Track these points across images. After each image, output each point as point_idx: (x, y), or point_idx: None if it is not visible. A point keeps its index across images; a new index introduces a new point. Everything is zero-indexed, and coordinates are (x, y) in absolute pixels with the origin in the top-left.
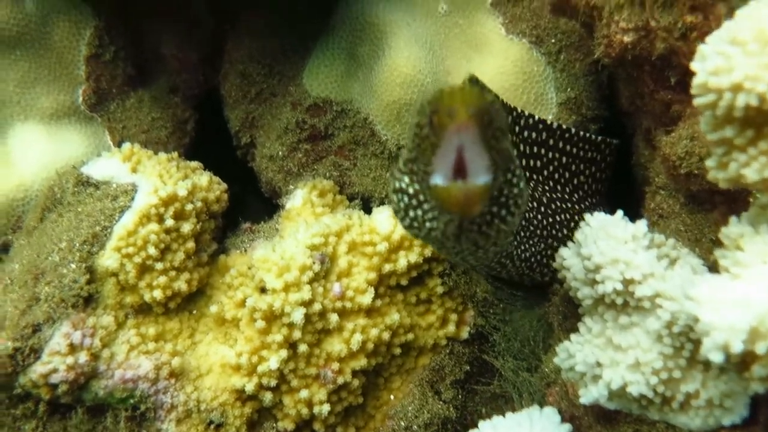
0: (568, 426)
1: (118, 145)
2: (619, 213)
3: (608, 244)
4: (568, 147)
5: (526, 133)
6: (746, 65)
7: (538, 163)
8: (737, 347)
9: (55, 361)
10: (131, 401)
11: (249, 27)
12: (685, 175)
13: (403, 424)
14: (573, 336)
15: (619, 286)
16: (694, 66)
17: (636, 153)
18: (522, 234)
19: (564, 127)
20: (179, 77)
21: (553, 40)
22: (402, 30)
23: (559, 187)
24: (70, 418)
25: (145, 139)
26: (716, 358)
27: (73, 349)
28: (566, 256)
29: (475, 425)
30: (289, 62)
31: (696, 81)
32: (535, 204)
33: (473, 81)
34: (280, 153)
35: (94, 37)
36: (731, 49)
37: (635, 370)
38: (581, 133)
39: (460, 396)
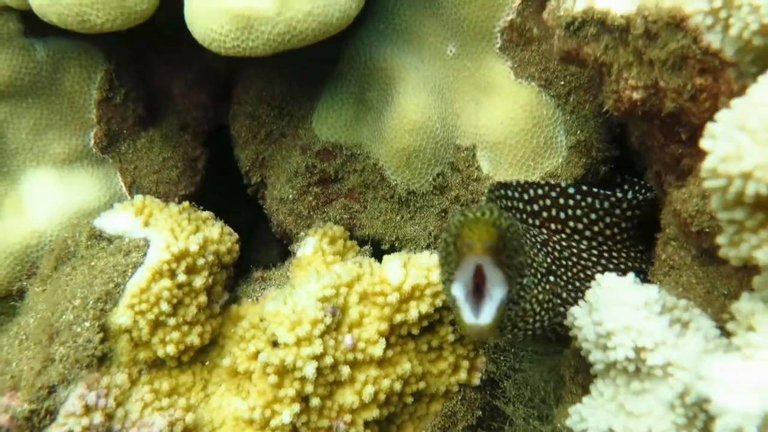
0: None
1: (130, 187)
2: (631, 276)
3: (620, 311)
4: (617, 210)
5: (562, 201)
6: (756, 153)
7: (591, 228)
8: None
9: (70, 423)
10: None
11: (258, 69)
12: (697, 233)
13: None
14: (585, 399)
15: (631, 354)
16: (704, 145)
17: None
18: (572, 296)
19: (607, 193)
20: (189, 115)
21: (562, 82)
22: (410, 74)
23: (605, 247)
24: None
25: (156, 180)
26: None
27: (87, 410)
28: (578, 315)
29: None
30: (298, 104)
31: (706, 165)
32: (581, 264)
33: (496, 187)
34: (290, 196)
35: (104, 81)
36: (741, 136)
37: None
38: (627, 200)
39: None
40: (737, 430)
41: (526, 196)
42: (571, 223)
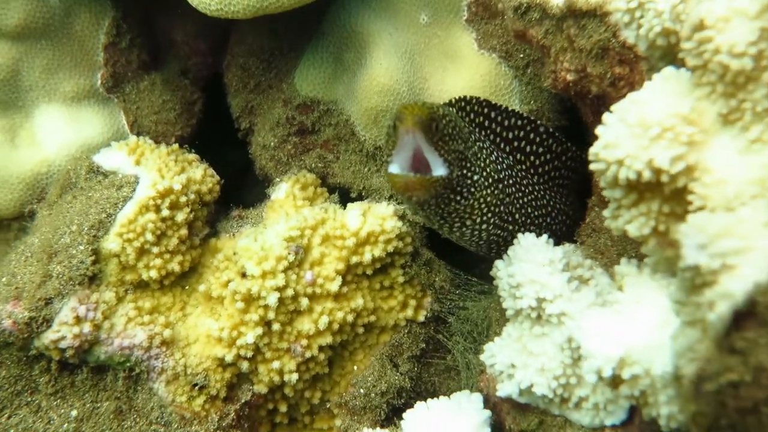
0: (488, 412)
1: (132, 125)
2: (544, 238)
3: (528, 266)
4: (563, 157)
5: (531, 136)
6: (629, 145)
7: (543, 167)
8: (608, 373)
9: (63, 330)
10: (128, 364)
11: (250, 25)
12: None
13: (362, 391)
14: (497, 339)
15: (534, 303)
16: (596, 131)
17: None
18: (522, 220)
19: (562, 139)
20: (190, 61)
21: (521, 55)
22: (384, 40)
23: (549, 185)
24: (77, 375)
25: (156, 120)
26: (591, 379)
27: (78, 321)
28: (499, 267)
29: (429, 393)
30: (284, 59)
31: (591, 150)
32: (533, 194)
33: (479, 102)
34: (272, 143)
35: (111, 27)
36: (620, 127)
37: (541, 375)
38: (571, 149)
39: (415, 368)
40: (598, 371)
41: (506, 123)
42: (533, 158)
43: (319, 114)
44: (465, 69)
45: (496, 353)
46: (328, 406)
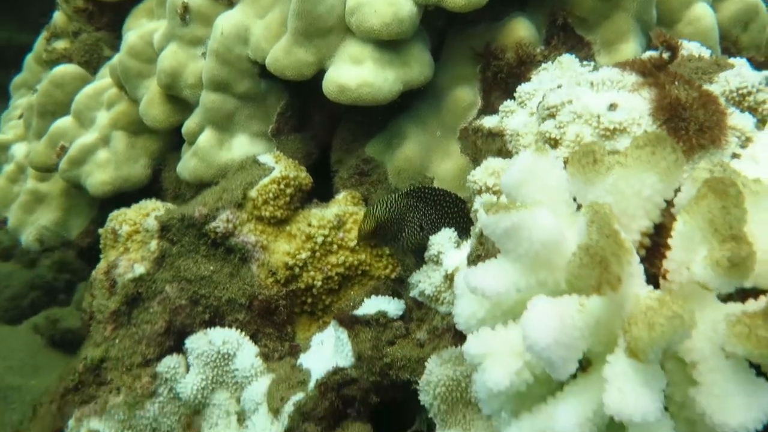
0: (404, 305)
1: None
2: (452, 230)
3: (437, 238)
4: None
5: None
6: (477, 175)
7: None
8: (449, 272)
9: (219, 222)
10: (243, 251)
11: (353, 114)
12: None
13: (351, 303)
14: (416, 271)
15: (435, 253)
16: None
17: None
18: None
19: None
20: (318, 131)
21: (483, 160)
22: (414, 138)
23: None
24: (218, 249)
25: (290, 156)
26: (441, 274)
27: (227, 221)
28: (432, 241)
29: None
30: (365, 135)
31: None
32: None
33: (405, 192)
34: (345, 177)
35: (284, 105)
36: (478, 169)
37: (430, 285)
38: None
39: None
40: (444, 271)
41: (437, 194)
42: (447, 210)
43: (372, 166)
44: (452, 161)
45: (414, 276)
46: (332, 309)
